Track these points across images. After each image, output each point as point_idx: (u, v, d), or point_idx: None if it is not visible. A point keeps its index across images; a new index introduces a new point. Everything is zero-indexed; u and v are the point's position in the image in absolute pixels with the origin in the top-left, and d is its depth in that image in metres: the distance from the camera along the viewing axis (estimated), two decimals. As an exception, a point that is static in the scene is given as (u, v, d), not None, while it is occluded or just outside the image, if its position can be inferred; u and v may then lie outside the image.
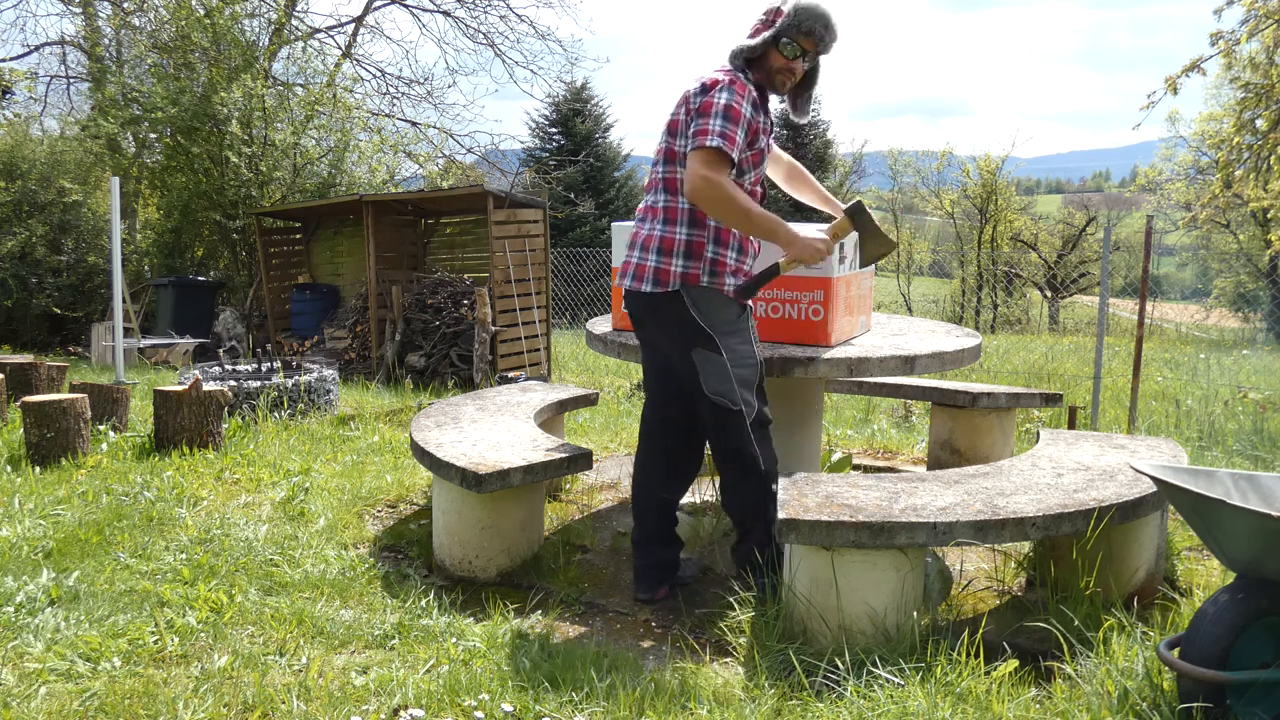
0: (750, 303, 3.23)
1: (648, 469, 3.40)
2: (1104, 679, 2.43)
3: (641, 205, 3.27)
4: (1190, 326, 21.58)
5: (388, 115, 16.19)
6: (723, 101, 2.95)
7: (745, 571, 3.21)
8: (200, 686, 2.52)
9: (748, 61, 3.09)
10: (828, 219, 3.59)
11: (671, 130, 3.11)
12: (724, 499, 3.29)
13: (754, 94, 3.03)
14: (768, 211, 3.04)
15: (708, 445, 3.45)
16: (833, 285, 3.46)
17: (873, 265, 3.89)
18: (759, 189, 3.20)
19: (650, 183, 3.23)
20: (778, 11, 3.04)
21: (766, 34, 3.04)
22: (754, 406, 3.14)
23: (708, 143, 2.91)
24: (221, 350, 10.52)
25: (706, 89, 3.01)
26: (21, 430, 5.06)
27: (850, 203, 3.17)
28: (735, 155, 2.94)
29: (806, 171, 3.64)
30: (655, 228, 3.15)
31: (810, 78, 3.21)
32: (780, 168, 3.60)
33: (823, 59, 3.17)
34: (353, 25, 17.20)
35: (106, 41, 15.06)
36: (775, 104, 3.45)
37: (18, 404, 5.41)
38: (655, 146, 3.24)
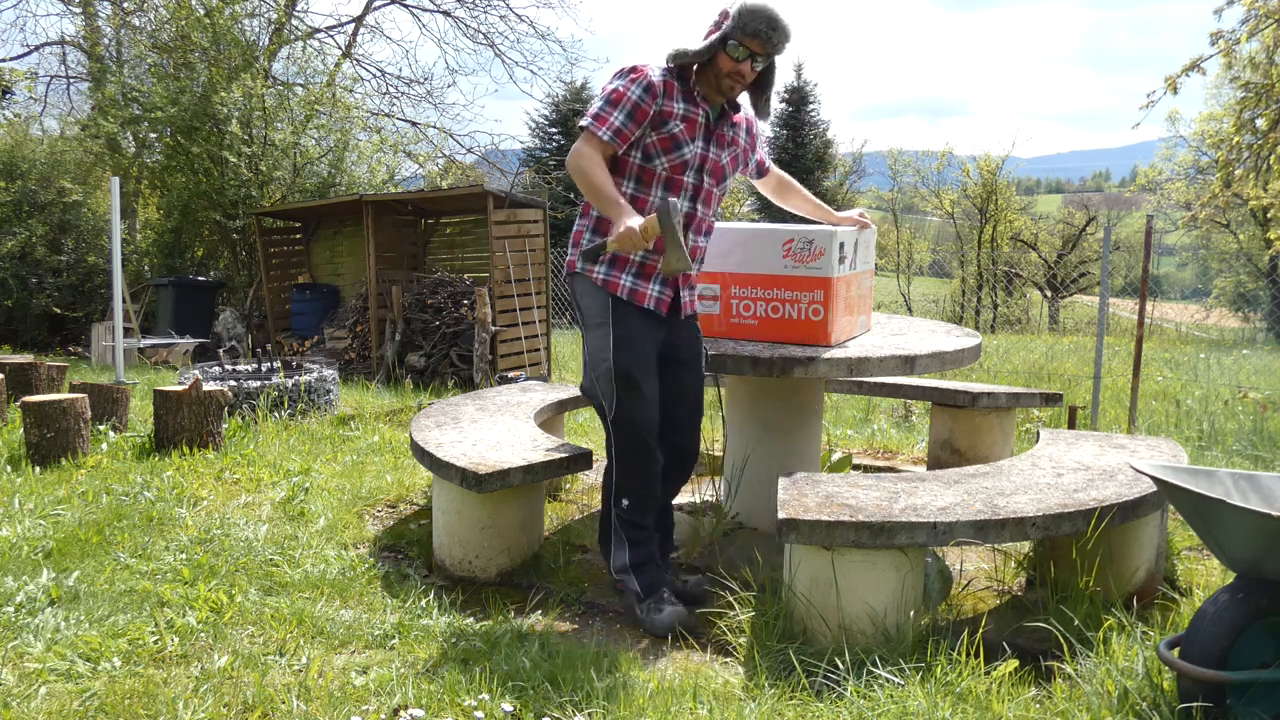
0: (635, 301, 3.12)
1: None
2: (1104, 679, 2.43)
3: None
4: (1190, 326, 21.57)
5: (387, 115, 16.20)
6: (609, 86, 3.07)
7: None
8: (200, 686, 2.52)
9: (690, 66, 3.10)
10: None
11: None
12: None
13: (653, 80, 3.03)
14: (616, 196, 2.99)
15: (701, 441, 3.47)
16: (833, 285, 3.46)
17: (871, 266, 3.89)
18: (684, 179, 3.13)
19: None
20: (725, 14, 3.05)
21: (714, 36, 3.04)
22: (611, 404, 3.12)
23: (580, 122, 3.08)
24: (221, 350, 10.53)
25: (611, 78, 3.11)
26: (21, 430, 5.06)
27: (660, 201, 2.96)
28: (603, 133, 3.01)
29: (795, 182, 3.72)
30: None
31: (765, 79, 3.22)
32: (770, 182, 3.67)
33: (779, 59, 3.17)
34: (353, 25, 17.22)
35: (106, 41, 15.07)
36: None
37: (18, 404, 5.41)
38: None
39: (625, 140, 3.04)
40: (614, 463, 3.19)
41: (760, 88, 3.23)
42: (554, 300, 10.65)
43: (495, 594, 3.39)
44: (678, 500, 3.58)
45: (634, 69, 3.06)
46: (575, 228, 3.26)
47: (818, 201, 3.72)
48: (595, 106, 3.05)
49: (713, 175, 3.21)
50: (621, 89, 3.03)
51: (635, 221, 2.90)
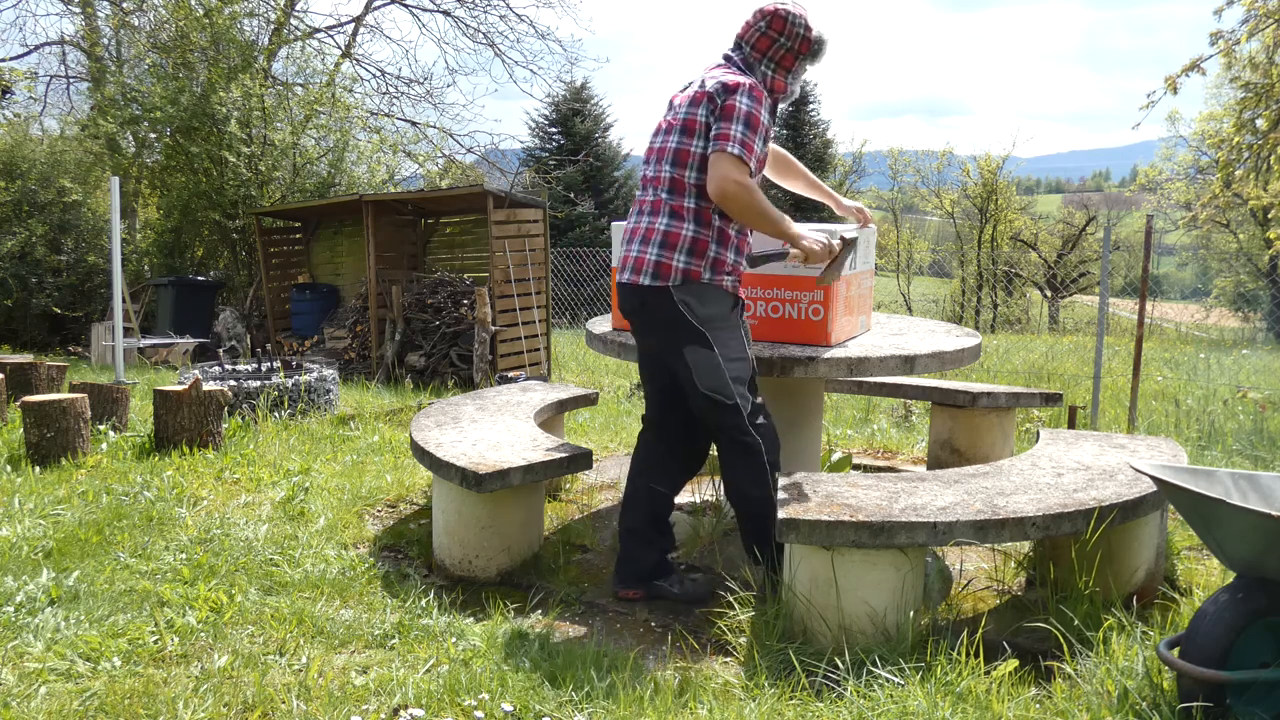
0: (743, 300, 3.29)
1: (638, 463, 3.44)
2: (1104, 678, 2.43)
3: (639, 201, 3.26)
4: (1190, 326, 21.56)
5: (387, 115, 16.18)
6: (745, 108, 3.02)
7: (750, 561, 3.25)
8: (200, 686, 2.52)
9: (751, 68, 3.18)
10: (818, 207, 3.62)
11: (688, 129, 3.09)
12: (726, 490, 3.30)
13: (769, 100, 3.14)
14: (787, 217, 3.16)
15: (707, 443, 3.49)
16: (833, 285, 3.46)
17: (871, 266, 3.91)
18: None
19: (651, 179, 3.21)
20: (799, 37, 3.14)
21: (802, 61, 3.19)
22: (749, 400, 3.16)
23: (728, 148, 2.98)
24: (221, 350, 10.52)
25: (729, 90, 3.03)
26: (21, 430, 5.06)
27: (849, 233, 3.31)
28: (752, 164, 3.01)
29: (795, 160, 3.70)
30: (659, 221, 3.14)
31: None
32: (771, 158, 3.61)
33: None
34: (352, 25, 17.19)
35: (106, 41, 15.05)
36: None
37: (18, 404, 5.41)
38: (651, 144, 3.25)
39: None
40: (771, 455, 3.16)
41: None
42: (554, 300, 10.65)
43: (495, 594, 3.39)
44: (678, 500, 3.58)
45: (753, 88, 3.06)
46: (678, 232, 3.11)
47: (815, 180, 3.71)
48: (739, 132, 2.99)
49: None
50: (757, 114, 3.03)
51: (811, 234, 3.18)
